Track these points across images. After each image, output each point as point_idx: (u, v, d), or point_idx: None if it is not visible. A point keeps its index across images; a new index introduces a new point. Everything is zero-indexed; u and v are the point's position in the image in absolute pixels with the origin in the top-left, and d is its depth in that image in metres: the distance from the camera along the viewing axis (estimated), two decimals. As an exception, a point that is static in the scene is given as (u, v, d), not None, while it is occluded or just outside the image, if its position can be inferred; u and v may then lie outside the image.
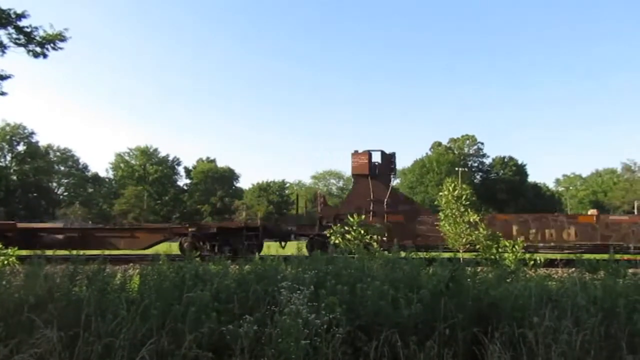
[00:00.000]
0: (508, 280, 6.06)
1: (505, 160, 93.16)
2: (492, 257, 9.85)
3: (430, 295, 4.82)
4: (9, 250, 10.52)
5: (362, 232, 13.08)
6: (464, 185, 15.34)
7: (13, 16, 11.31)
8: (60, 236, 20.78)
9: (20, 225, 22.48)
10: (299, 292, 4.18)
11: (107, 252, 10.93)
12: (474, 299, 4.92)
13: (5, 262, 9.88)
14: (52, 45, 12.28)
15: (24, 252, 10.70)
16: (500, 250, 10.30)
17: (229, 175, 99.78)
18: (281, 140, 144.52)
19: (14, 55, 12.06)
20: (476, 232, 12.57)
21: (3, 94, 12.38)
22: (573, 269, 9.08)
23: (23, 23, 11.63)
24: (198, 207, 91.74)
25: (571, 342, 3.93)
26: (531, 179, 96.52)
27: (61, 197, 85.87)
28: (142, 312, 4.33)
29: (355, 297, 4.93)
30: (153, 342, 3.84)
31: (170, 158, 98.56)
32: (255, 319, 4.12)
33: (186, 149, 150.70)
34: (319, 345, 3.91)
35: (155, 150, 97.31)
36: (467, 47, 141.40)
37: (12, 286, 5.31)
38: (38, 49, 12.08)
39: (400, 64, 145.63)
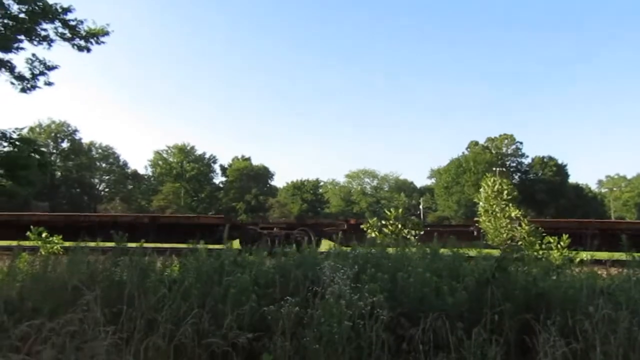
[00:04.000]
0: (554, 277, 5.82)
1: (545, 160, 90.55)
2: (536, 253, 9.48)
3: (476, 283, 4.66)
4: (54, 238, 10.79)
5: (400, 225, 12.88)
6: (504, 180, 14.88)
7: (59, 10, 11.69)
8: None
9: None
10: (342, 271, 4.08)
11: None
12: (521, 289, 4.73)
13: (51, 249, 10.19)
14: (95, 39, 12.62)
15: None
16: (544, 246, 9.92)
17: (264, 174, 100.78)
18: (316, 138, 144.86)
19: (59, 52, 12.48)
20: (519, 228, 12.16)
21: (50, 84, 12.81)
22: (622, 268, 8.65)
23: (68, 17, 12.00)
24: (233, 204, 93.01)
25: (631, 331, 3.70)
26: (572, 179, 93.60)
27: (102, 192, 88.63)
28: (183, 291, 4.34)
29: (396, 285, 4.82)
30: (194, 318, 3.83)
31: (207, 156, 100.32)
32: (296, 301, 4.06)
33: (222, 148, 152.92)
34: (362, 329, 3.81)
35: (192, 148, 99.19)
36: (505, 45, 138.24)
37: (56, 271, 5.45)
38: (82, 43, 12.45)
39: (435, 61, 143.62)
